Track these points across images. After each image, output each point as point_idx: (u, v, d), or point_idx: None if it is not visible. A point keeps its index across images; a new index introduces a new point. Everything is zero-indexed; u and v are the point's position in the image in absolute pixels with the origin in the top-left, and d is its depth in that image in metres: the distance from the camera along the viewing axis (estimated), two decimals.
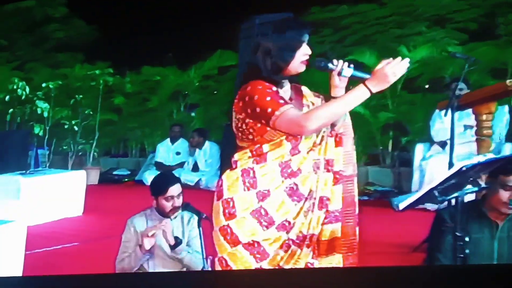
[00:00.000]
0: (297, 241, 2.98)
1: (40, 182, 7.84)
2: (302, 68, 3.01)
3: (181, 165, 11.23)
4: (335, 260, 3.07)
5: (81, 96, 10.81)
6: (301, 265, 2.99)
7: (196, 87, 12.25)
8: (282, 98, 2.93)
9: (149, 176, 10.64)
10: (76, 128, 10.94)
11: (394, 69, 2.82)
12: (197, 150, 11.04)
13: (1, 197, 7.09)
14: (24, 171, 8.09)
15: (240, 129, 3.02)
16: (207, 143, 11.03)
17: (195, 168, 11.12)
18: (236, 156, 3.06)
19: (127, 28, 12.65)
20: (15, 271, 4.66)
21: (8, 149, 9.89)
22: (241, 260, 2.93)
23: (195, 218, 4.03)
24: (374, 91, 2.85)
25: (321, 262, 3.07)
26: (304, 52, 2.98)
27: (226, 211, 2.96)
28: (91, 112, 11.03)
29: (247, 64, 3.13)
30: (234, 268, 2.92)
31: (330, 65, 2.94)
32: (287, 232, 2.96)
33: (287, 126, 2.88)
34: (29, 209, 7.41)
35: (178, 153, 11.38)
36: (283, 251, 2.96)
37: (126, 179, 11.60)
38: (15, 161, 9.57)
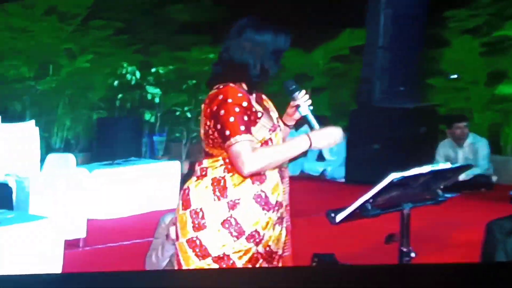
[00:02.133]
0: (266, 256, 2.96)
1: (129, 172, 7.59)
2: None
3: (304, 153, 10.48)
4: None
5: (194, 81, 10.25)
6: None
7: (321, 69, 11.50)
8: (246, 122, 2.85)
9: None
10: (189, 114, 10.39)
11: (336, 137, 2.95)
12: None
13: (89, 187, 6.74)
14: (111, 162, 7.78)
15: (211, 136, 2.93)
16: None
17: (320, 157, 10.43)
18: (206, 163, 2.97)
19: (253, 9, 11.99)
20: (53, 268, 4.66)
21: (116, 135, 9.65)
22: None
23: None
24: (314, 145, 2.92)
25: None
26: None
27: (196, 222, 2.88)
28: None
29: (231, 60, 2.97)
30: None
31: (295, 94, 2.99)
32: (256, 244, 2.91)
33: (234, 157, 2.84)
34: (118, 201, 7.31)
35: None
36: (252, 265, 2.91)
37: None
38: (124, 148, 9.32)
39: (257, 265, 2.92)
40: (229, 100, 2.85)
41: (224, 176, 2.91)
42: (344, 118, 10.14)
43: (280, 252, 3.01)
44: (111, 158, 8.04)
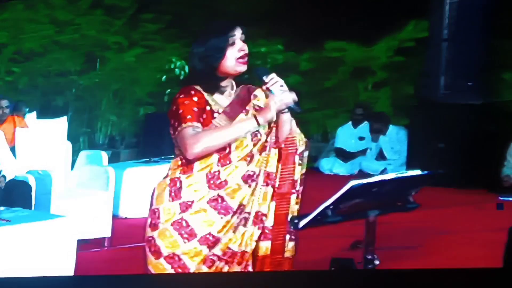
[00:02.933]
0: (224, 257, 2.96)
1: (164, 171, 7.15)
2: (241, 68, 2.96)
3: (363, 152, 10.15)
4: None
5: (246, 76, 9.80)
6: None
7: (383, 63, 11.02)
8: (194, 112, 2.90)
9: (325, 163, 10.11)
10: None
11: (276, 101, 2.89)
12: (381, 135, 10.00)
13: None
14: (147, 159, 7.62)
15: (173, 136, 2.98)
16: (392, 128, 9.95)
17: (381, 156, 10.05)
18: (170, 164, 3.05)
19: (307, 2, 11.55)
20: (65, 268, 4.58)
21: (164, 132, 9.30)
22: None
23: None
24: (261, 122, 2.90)
25: None
26: (238, 48, 2.93)
27: (153, 221, 2.95)
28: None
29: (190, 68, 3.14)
30: None
31: (264, 77, 2.94)
32: (209, 247, 2.92)
33: (180, 145, 2.90)
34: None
35: (361, 138, 10.30)
36: (206, 266, 2.93)
37: None
38: (172, 145, 8.93)
39: (214, 267, 2.95)
40: (182, 96, 2.93)
41: (180, 177, 2.95)
42: (406, 115, 9.76)
43: (248, 250, 3.01)
44: (158, 155, 7.87)
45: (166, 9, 10.80)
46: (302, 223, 2.69)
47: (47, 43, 9.39)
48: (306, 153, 3.11)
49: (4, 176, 5.83)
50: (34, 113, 7.92)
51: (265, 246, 3.03)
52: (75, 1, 9.47)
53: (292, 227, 2.88)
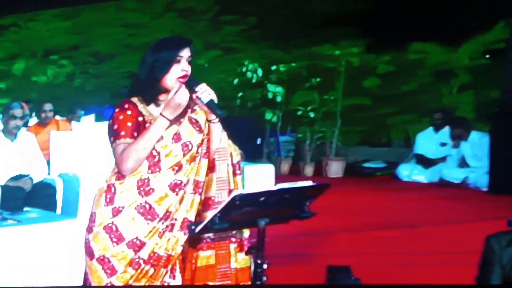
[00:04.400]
0: (150, 261, 3.07)
1: None
2: (178, 86, 3.06)
3: (443, 159, 9.78)
4: None
5: (318, 79, 9.68)
6: (156, 284, 3.10)
7: (467, 65, 10.55)
8: (128, 128, 3.06)
9: (404, 169, 9.74)
10: (312, 114, 9.89)
11: (179, 96, 3.01)
12: (462, 141, 9.50)
13: None
14: None
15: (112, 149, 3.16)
16: (474, 134, 9.45)
17: (463, 163, 9.57)
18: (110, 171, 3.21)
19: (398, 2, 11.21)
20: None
21: (235, 135, 9.27)
22: (96, 274, 3.07)
23: None
24: (170, 118, 3.04)
25: None
26: (182, 67, 3.07)
27: (89, 225, 3.10)
28: (331, 98, 9.84)
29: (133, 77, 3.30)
30: (92, 281, 3.08)
31: (194, 87, 3.05)
32: (135, 251, 3.05)
33: (116, 160, 3.06)
34: None
35: (443, 144, 9.87)
36: (133, 269, 3.06)
37: (379, 173, 10.33)
38: (242, 148, 8.87)
39: (139, 270, 3.07)
40: (116, 110, 3.09)
41: (114, 183, 3.08)
42: (488, 121, 9.14)
43: (173, 254, 3.11)
44: None
45: (249, 10, 10.77)
46: (197, 229, 2.84)
47: (118, 46, 9.54)
48: (242, 164, 3.24)
49: (31, 178, 5.94)
50: (92, 116, 8.03)
51: (202, 256, 3.14)
52: (147, 4, 9.55)
53: (190, 233, 2.95)
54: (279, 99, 9.78)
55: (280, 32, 11.05)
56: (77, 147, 6.25)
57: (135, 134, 3.03)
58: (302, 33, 11.17)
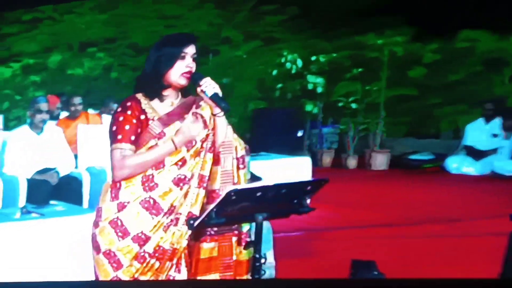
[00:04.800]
0: (156, 255, 3.13)
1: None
2: (183, 81, 3.12)
3: (495, 150, 9.61)
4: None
5: (360, 69, 9.40)
6: (162, 278, 3.16)
7: None
8: (126, 131, 3.10)
9: (453, 162, 9.62)
10: (354, 105, 9.64)
11: (190, 127, 3.08)
12: None
13: None
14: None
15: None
16: None
17: None
18: None
19: None
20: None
21: (274, 127, 9.18)
22: (102, 268, 3.13)
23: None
24: (178, 146, 3.07)
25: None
26: (186, 64, 3.10)
27: (96, 219, 3.16)
28: (374, 88, 9.55)
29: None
30: (99, 274, 3.14)
31: (199, 81, 3.08)
32: (140, 245, 3.11)
33: (111, 163, 3.10)
34: None
35: (494, 135, 9.72)
36: (138, 262, 3.12)
37: (427, 165, 10.09)
38: (281, 140, 8.90)
39: (145, 263, 3.11)
40: (118, 110, 3.14)
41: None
42: None
43: (178, 247, 3.14)
44: (265, 150, 7.76)
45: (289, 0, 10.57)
46: (195, 223, 2.90)
47: (156, 37, 9.41)
48: (247, 158, 3.25)
49: (57, 172, 5.91)
50: None
51: (205, 248, 3.20)
52: None
53: (189, 228, 2.99)
54: (319, 90, 9.59)
55: (321, 22, 10.79)
56: (105, 141, 6.14)
57: (133, 138, 3.09)
58: (344, 22, 10.90)
